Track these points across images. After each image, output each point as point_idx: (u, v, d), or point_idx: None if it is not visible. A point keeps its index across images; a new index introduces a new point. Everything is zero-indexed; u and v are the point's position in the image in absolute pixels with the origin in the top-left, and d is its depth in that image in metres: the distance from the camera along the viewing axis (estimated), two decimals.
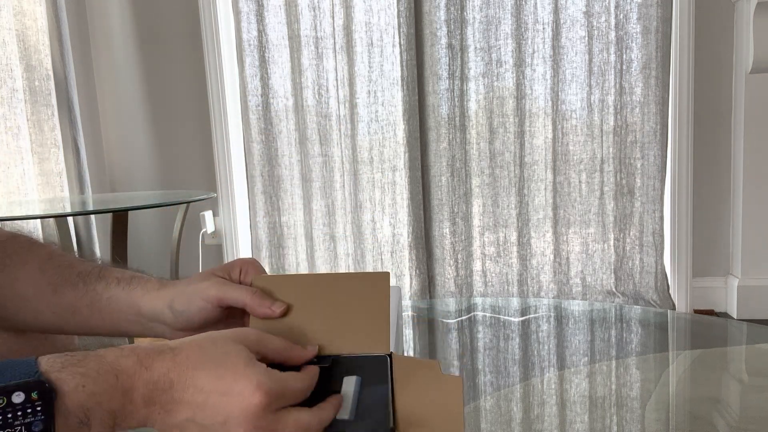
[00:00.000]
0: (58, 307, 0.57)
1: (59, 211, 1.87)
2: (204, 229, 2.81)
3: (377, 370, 0.50)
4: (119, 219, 2.14)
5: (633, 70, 2.48)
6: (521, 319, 0.95)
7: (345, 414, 0.49)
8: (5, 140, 2.37)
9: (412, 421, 0.45)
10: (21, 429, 0.37)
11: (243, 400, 0.42)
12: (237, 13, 2.66)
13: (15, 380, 0.37)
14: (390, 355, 0.45)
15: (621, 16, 2.47)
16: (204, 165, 2.82)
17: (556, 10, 2.50)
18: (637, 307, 1.28)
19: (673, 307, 2.56)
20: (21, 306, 0.58)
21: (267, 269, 2.84)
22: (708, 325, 0.99)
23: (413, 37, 2.57)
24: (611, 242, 2.59)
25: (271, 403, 0.43)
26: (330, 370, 0.50)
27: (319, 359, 0.50)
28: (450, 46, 2.56)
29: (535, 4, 2.50)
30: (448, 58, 2.57)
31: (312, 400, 0.48)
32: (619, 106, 2.51)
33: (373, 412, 0.49)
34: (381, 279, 0.51)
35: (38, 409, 0.37)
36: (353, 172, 2.69)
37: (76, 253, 2.52)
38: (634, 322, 0.94)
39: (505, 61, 2.56)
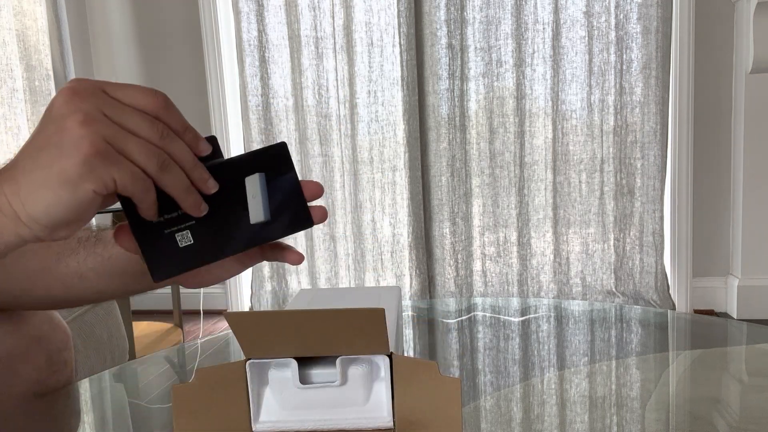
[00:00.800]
0: (65, 276, 0.58)
1: None
2: None
3: (278, 160, 0.47)
4: (119, 219, 2.14)
5: (633, 70, 2.48)
6: (521, 319, 0.95)
7: (260, 216, 0.46)
8: (5, 140, 2.37)
9: (410, 422, 0.45)
10: None
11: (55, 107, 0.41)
12: (237, 13, 2.66)
13: None
14: (390, 355, 0.45)
15: (621, 16, 2.47)
16: None
17: (556, 10, 2.50)
18: (637, 307, 1.28)
19: (673, 307, 2.56)
20: (32, 282, 0.58)
21: (267, 269, 2.84)
22: (708, 325, 0.99)
23: (413, 37, 2.57)
24: (611, 242, 2.59)
25: (91, 89, 0.41)
26: (226, 176, 0.46)
27: (206, 159, 0.46)
28: (450, 46, 2.56)
29: (535, 4, 2.51)
30: (448, 58, 2.57)
31: (217, 212, 0.46)
32: (619, 106, 2.51)
33: (289, 204, 0.47)
34: (377, 315, 0.42)
35: None
36: (353, 172, 2.69)
37: None
38: (634, 322, 0.94)
39: (505, 61, 2.56)
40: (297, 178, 0.47)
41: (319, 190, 0.48)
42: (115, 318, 1.14)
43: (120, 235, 0.47)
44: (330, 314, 0.42)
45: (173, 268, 0.46)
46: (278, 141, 0.47)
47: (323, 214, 0.48)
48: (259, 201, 0.46)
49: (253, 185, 0.46)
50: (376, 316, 0.42)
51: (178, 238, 0.46)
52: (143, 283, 0.58)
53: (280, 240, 0.50)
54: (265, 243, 0.48)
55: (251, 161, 0.47)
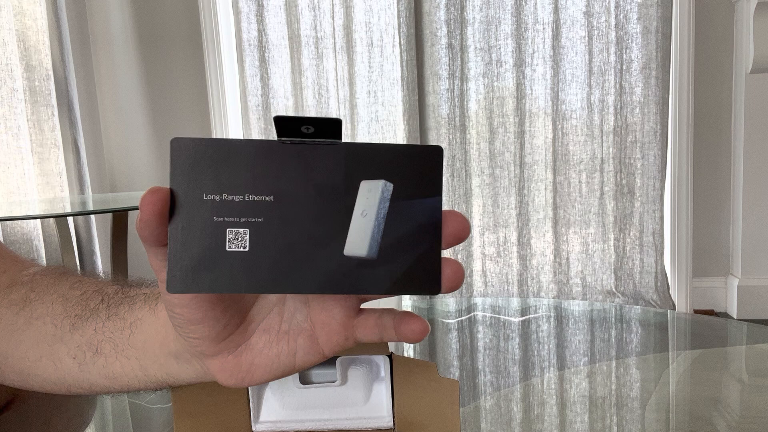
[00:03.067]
0: (77, 349, 0.41)
1: (59, 211, 1.87)
2: None
3: (424, 170, 0.30)
4: (119, 219, 2.14)
5: (633, 70, 2.48)
6: (521, 319, 0.95)
7: (361, 249, 0.30)
8: (5, 140, 2.37)
9: (409, 422, 0.45)
10: None
11: None
12: (237, 13, 2.66)
13: None
14: (390, 356, 0.45)
15: (621, 16, 2.47)
16: None
17: (556, 10, 2.50)
18: (637, 307, 1.28)
19: (673, 307, 2.56)
20: (40, 351, 0.43)
21: None
22: (708, 325, 0.99)
23: (413, 37, 2.57)
24: (611, 242, 2.59)
25: None
26: (336, 167, 0.30)
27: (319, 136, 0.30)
28: (450, 46, 2.56)
29: (535, 4, 2.51)
30: (448, 58, 2.57)
31: (298, 218, 0.30)
32: (619, 106, 2.51)
33: (413, 246, 0.30)
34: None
35: None
36: None
37: (77, 256, 2.53)
38: (634, 322, 0.94)
39: (505, 61, 2.56)
40: (441, 209, 0.30)
41: (464, 230, 0.31)
42: None
43: (150, 200, 0.29)
44: None
45: (201, 281, 0.29)
46: (433, 144, 0.30)
47: (457, 277, 0.31)
48: (369, 225, 0.30)
49: (370, 196, 0.30)
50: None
51: (229, 237, 0.30)
52: (168, 365, 0.38)
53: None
54: (353, 294, 0.31)
55: (382, 158, 0.30)
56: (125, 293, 0.42)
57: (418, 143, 0.27)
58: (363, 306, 0.34)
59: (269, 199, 0.30)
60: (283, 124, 0.30)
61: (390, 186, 0.30)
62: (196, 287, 0.29)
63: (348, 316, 0.33)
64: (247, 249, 0.30)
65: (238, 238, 0.30)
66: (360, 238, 0.30)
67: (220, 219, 0.30)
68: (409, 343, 0.35)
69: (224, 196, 0.30)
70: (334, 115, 2.68)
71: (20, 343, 0.43)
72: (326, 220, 0.30)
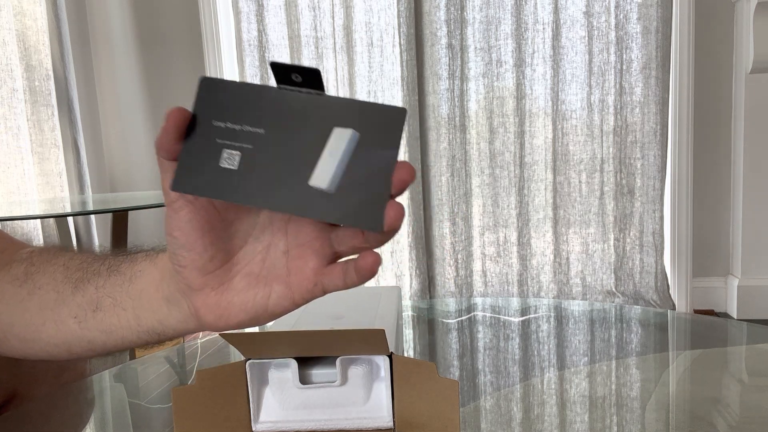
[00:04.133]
0: (78, 308, 0.45)
1: (59, 211, 1.87)
2: None
3: (387, 126, 0.36)
4: (119, 219, 2.14)
5: (633, 70, 2.48)
6: (521, 319, 0.95)
7: (323, 182, 0.35)
8: (5, 140, 2.37)
9: (409, 422, 0.45)
10: None
11: None
12: (237, 13, 2.66)
13: None
14: (390, 356, 0.45)
15: (621, 16, 2.47)
16: None
17: (556, 10, 2.50)
18: (637, 307, 1.28)
19: (673, 307, 2.56)
20: (44, 317, 0.47)
21: None
22: (708, 325, 0.99)
23: (413, 37, 2.57)
24: (611, 242, 2.59)
25: None
26: (316, 114, 0.37)
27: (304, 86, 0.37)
28: (450, 46, 2.56)
29: (535, 4, 2.51)
30: (448, 58, 2.57)
31: (281, 150, 0.36)
32: (619, 106, 2.51)
33: (366, 188, 0.35)
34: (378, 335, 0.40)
35: None
36: None
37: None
38: (634, 322, 0.94)
39: (505, 61, 2.56)
40: (396, 160, 0.36)
41: (409, 176, 0.35)
42: None
43: (175, 115, 0.36)
44: (330, 334, 0.41)
45: (198, 185, 0.36)
46: (399, 105, 0.35)
47: (397, 218, 0.35)
48: (333, 163, 0.36)
49: (339, 141, 0.36)
50: (377, 336, 0.40)
51: (224, 156, 0.37)
52: (170, 317, 0.42)
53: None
54: (310, 217, 0.36)
55: (354, 112, 0.37)
56: (126, 254, 0.47)
57: (385, 103, 0.37)
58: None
59: (261, 131, 0.37)
60: (277, 69, 0.37)
61: (357, 135, 0.36)
62: (191, 189, 0.36)
63: (320, 264, 0.38)
64: (235, 167, 0.37)
65: (230, 158, 0.37)
66: (324, 172, 0.36)
67: (221, 141, 0.37)
68: (365, 278, 0.37)
69: (227, 124, 0.37)
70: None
71: (25, 311, 0.47)
72: (301, 155, 0.36)
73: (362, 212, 0.35)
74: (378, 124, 0.36)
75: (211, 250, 0.38)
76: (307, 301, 0.39)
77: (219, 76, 0.38)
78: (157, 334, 0.44)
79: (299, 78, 0.37)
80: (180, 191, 0.37)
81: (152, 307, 0.43)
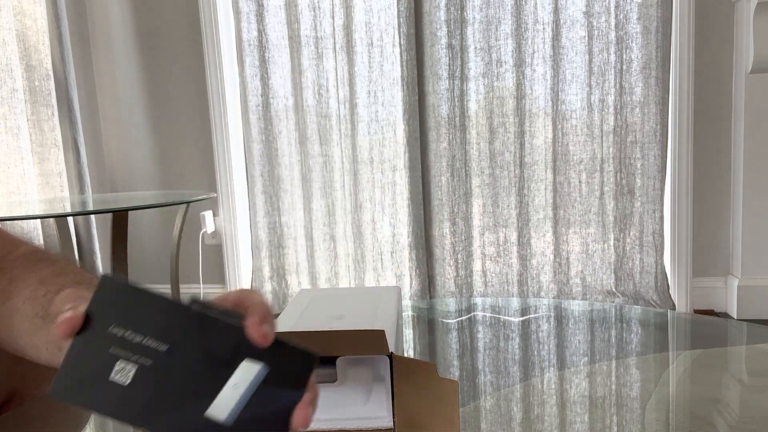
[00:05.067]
0: (49, 343, 0.45)
1: (59, 211, 1.87)
2: (204, 229, 2.81)
3: (298, 369, 0.35)
4: (119, 219, 2.14)
5: (633, 70, 2.48)
6: (521, 319, 0.95)
7: (221, 414, 0.34)
8: (5, 140, 2.37)
9: (409, 422, 0.45)
10: None
11: None
12: (237, 13, 2.66)
13: None
14: (390, 356, 0.45)
15: (621, 16, 2.47)
16: (204, 165, 2.82)
17: (556, 10, 2.50)
18: (637, 307, 1.28)
19: (673, 307, 2.56)
20: (23, 347, 0.48)
21: (267, 269, 2.84)
22: (708, 325, 0.98)
23: (413, 37, 2.57)
24: (611, 242, 2.59)
25: None
26: (226, 340, 0.35)
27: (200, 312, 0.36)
28: (450, 46, 2.56)
29: (535, 4, 2.51)
30: (448, 58, 2.57)
31: (181, 373, 0.35)
32: (619, 106, 2.51)
33: (262, 426, 0.34)
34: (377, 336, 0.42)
35: None
36: (353, 172, 2.69)
37: (77, 256, 2.52)
38: (634, 322, 0.94)
39: (505, 61, 2.56)
40: (296, 404, 0.35)
41: (304, 425, 0.35)
42: None
43: (65, 326, 0.35)
44: (330, 335, 0.41)
45: (79, 394, 0.34)
46: (312, 351, 0.36)
47: None
48: (235, 396, 0.34)
49: (246, 374, 0.35)
50: (378, 336, 0.41)
51: (117, 368, 0.35)
52: (36, 333, 0.45)
53: None
54: None
55: (270, 348, 0.35)
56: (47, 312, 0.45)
57: (298, 347, 0.36)
58: None
59: (163, 348, 0.35)
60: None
61: (265, 371, 0.35)
62: (74, 400, 0.34)
63: None
64: (126, 384, 0.34)
65: (123, 372, 0.35)
66: (224, 405, 0.34)
67: (115, 352, 0.35)
68: None
69: (126, 334, 0.35)
70: (334, 116, 2.68)
71: (11, 330, 0.48)
72: (202, 383, 0.35)
73: None
74: (288, 364, 0.35)
75: None
76: None
77: (121, 281, 0.36)
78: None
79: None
80: (59, 397, 0.34)
81: (28, 334, 0.46)
